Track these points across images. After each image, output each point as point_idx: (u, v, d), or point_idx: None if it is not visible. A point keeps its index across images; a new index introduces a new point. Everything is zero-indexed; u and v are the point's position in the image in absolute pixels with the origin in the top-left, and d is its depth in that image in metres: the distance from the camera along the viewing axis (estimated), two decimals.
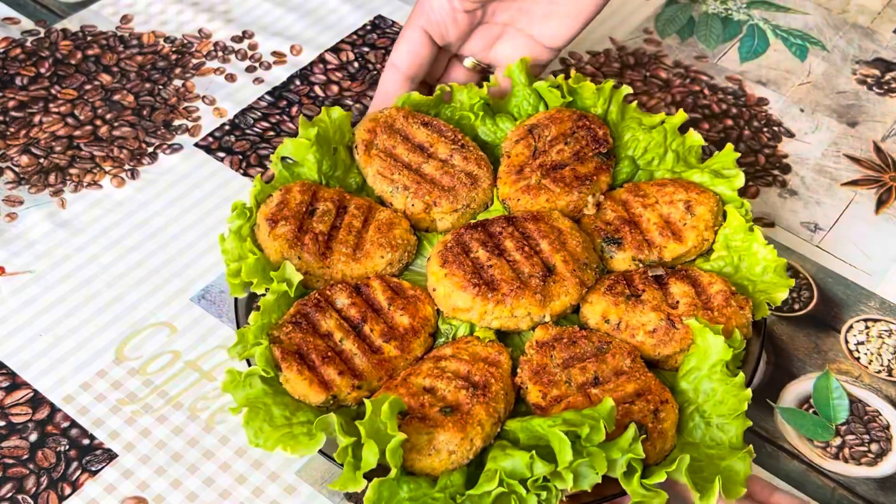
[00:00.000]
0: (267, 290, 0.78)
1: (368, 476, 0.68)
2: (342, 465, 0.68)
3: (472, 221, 0.84)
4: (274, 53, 1.11)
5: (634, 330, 0.77)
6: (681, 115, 0.91)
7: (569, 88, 0.93)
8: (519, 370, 0.75)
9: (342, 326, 0.76)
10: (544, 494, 0.67)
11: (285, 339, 0.75)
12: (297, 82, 1.08)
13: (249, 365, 0.76)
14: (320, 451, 0.71)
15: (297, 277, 0.78)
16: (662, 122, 0.91)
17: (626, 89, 0.93)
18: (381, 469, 0.68)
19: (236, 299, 0.82)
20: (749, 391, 0.73)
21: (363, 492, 0.68)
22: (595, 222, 0.85)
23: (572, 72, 0.95)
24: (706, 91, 1.10)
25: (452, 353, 0.75)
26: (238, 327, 0.80)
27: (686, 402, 0.75)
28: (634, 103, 0.94)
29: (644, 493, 0.68)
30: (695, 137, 0.90)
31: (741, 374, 0.73)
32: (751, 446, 0.71)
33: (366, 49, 1.12)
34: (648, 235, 0.83)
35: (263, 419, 0.70)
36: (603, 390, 0.72)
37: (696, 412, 0.74)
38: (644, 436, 0.69)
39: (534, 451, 0.67)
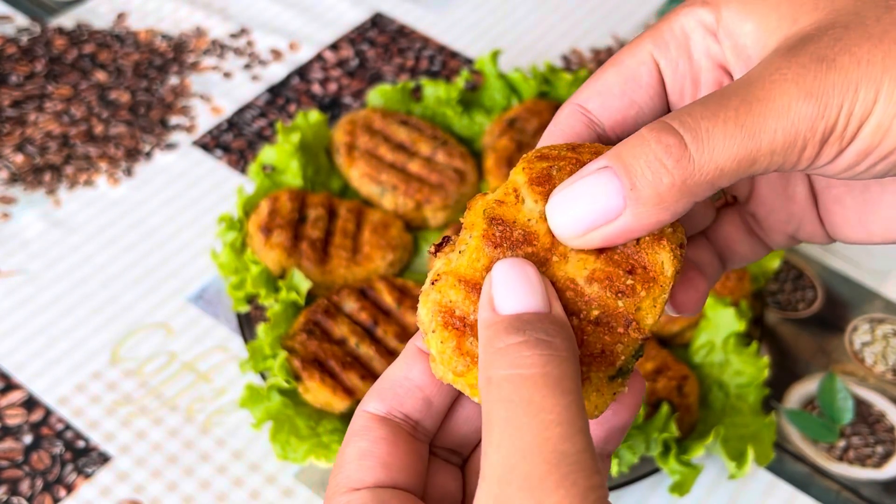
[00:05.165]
0: (276, 300, 0.78)
1: None
2: None
3: None
4: (272, 51, 1.09)
5: None
6: None
7: (543, 78, 0.93)
8: None
9: (356, 331, 0.76)
10: None
11: (300, 348, 0.74)
12: (296, 80, 1.07)
13: (264, 379, 0.75)
14: None
15: (306, 285, 0.78)
16: None
17: None
18: None
19: (238, 314, 0.81)
20: (766, 358, 0.76)
21: None
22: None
23: (546, 62, 0.95)
24: None
25: None
26: (245, 341, 0.79)
27: (702, 375, 0.76)
28: None
29: (683, 469, 0.69)
30: None
31: (755, 342, 0.75)
32: (773, 413, 0.74)
33: (365, 46, 1.11)
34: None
35: (289, 432, 0.70)
36: None
37: (715, 384, 0.77)
38: (676, 413, 0.71)
39: None
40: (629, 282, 0.38)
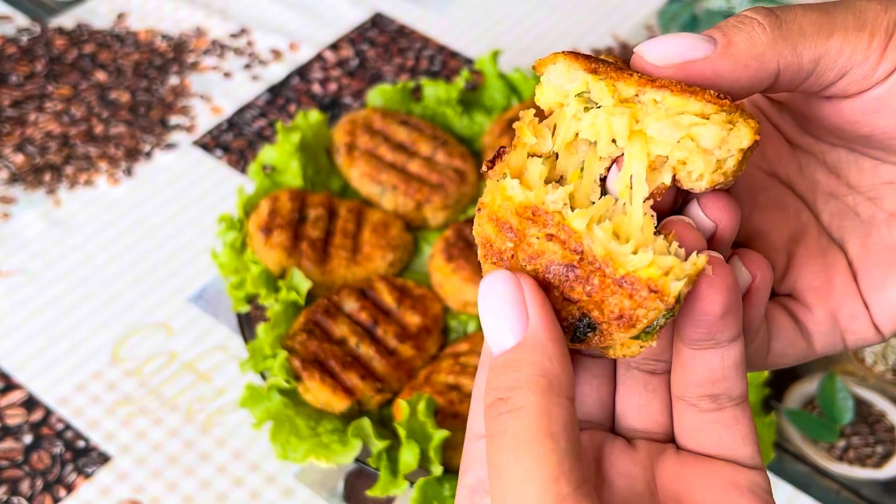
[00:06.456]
0: (276, 300, 0.78)
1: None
2: (376, 469, 0.68)
3: (468, 216, 0.84)
4: (272, 51, 1.09)
5: None
6: None
7: None
8: None
9: (356, 331, 0.76)
10: None
11: (300, 348, 0.74)
12: (296, 80, 1.07)
13: (264, 379, 0.76)
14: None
15: (306, 284, 0.78)
16: None
17: None
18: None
19: (238, 314, 0.81)
20: None
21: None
22: None
23: None
24: None
25: (470, 348, 0.76)
26: (245, 341, 0.79)
27: None
28: None
29: None
30: None
31: None
32: (773, 413, 0.74)
33: (365, 46, 1.11)
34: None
35: (289, 432, 0.70)
36: None
37: None
38: None
39: None
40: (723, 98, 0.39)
